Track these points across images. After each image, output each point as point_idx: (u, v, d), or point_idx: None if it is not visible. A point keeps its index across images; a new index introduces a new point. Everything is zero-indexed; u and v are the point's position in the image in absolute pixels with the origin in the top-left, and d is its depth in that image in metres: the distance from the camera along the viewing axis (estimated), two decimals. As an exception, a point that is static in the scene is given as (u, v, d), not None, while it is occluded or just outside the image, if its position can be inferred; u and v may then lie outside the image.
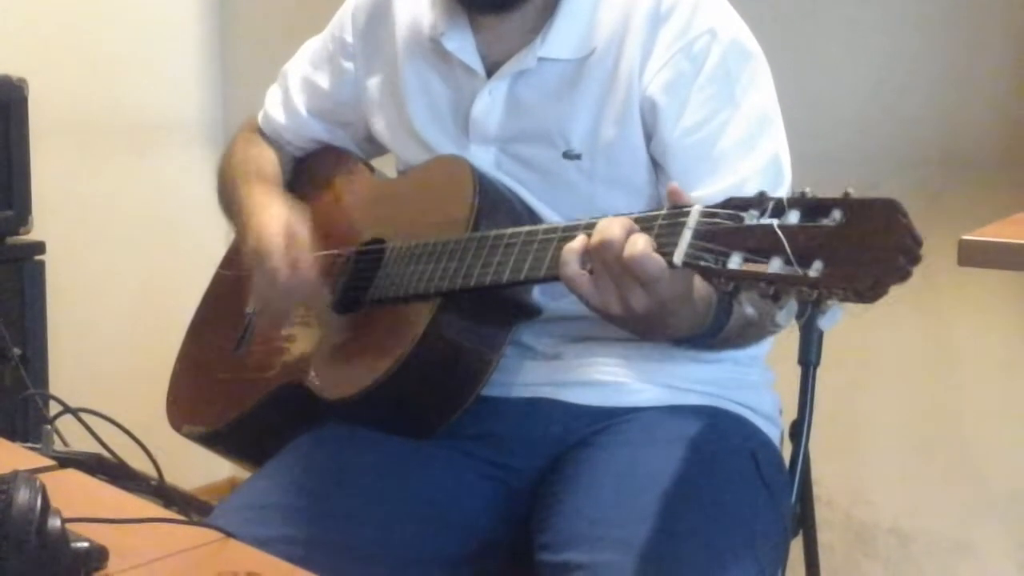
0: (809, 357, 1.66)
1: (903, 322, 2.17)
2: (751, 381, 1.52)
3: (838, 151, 2.25)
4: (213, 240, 2.29)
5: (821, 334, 1.66)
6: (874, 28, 2.22)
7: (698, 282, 1.20)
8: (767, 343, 1.56)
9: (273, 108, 1.74)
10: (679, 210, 1.09)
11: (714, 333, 1.30)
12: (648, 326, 1.21)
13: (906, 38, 2.19)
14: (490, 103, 1.48)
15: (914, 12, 2.17)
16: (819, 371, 1.67)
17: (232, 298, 1.72)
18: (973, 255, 1.34)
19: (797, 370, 1.67)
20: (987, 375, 2.19)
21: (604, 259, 1.14)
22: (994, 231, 1.39)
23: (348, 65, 1.65)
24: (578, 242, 1.17)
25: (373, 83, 1.62)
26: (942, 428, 2.25)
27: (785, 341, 1.60)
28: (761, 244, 0.98)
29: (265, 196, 1.58)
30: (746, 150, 1.40)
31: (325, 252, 1.55)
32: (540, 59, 1.45)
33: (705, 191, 1.37)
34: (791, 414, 1.66)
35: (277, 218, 1.50)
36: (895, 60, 2.20)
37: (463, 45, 1.50)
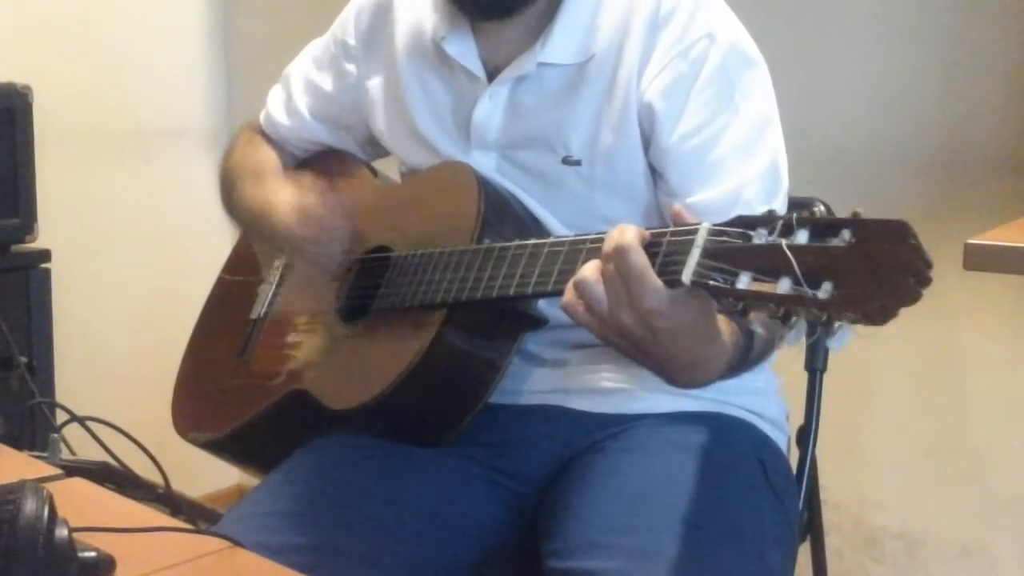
0: (816, 363, 1.66)
1: (909, 326, 2.14)
2: (758, 387, 1.51)
3: (843, 155, 2.25)
4: (219, 246, 2.29)
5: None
6: (879, 32, 2.22)
7: (723, 326, 1.19)
8: (774, 349, 1.56)
9: (275, 109, 1.74)
10: (687, 227, 1.08)
11: (739, 369, 1.28)
12: (664, 358, 1.16)
13: (911, 42, 2.19)
14: (491, 108, 1.48)
15: (919, 16, 2.17)
16: (826, 376, 1.67)
17: (235, 304, 1.72)
18: (979, 259, 1.34)
19: (804, 376, 1.67)
20: (994, 379, 2.19)
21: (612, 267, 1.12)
22: (1000, 235, 1.39)
23: (350, 67, 1.65)
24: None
25: (375, 86, 1.62)
26: (949, 433, 2.25)
27: (792, 347, 1.60)
28: (770, 264, 0.97)
29: (261, 193, 1.59)
30: (744, 156, 1.39)
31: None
32: (540, 64, 1.45)
33: (702, 196, 1.37)
34: (798, 420, 1.65)
35: (284, 208, 1.52)
36: (900, 64, 2.20)
37: (464, 50, 1.50)
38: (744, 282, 0.99)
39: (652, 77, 1.40)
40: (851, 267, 0.93)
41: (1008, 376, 2.17)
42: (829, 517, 1.78)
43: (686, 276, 1.05)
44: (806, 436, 1.64)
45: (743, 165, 1.39)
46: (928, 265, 0.92)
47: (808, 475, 1.62)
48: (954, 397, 2.23)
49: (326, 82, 1.68)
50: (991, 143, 2.12)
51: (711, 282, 1.02)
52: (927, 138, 2.19)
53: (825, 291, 0.93)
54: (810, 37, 2.28)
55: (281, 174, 1.67)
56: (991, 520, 2.22)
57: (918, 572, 2.30)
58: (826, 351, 1.66)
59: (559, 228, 1.43)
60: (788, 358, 1.59)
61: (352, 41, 1.64)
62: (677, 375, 1.20)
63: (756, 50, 1.45)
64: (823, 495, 1.71)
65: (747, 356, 1.26)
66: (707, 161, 1.39)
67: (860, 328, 0.94)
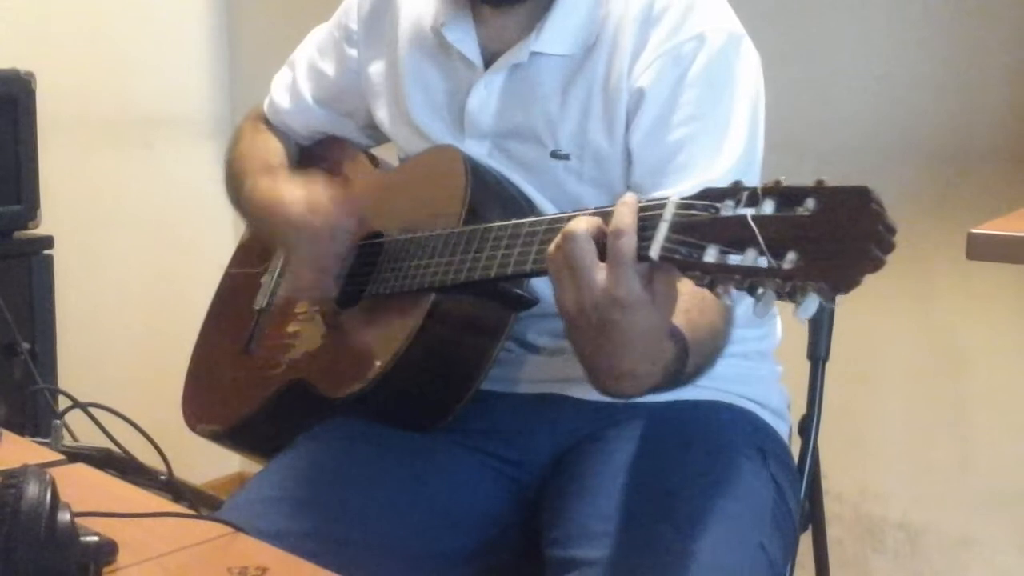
0: (818, 352, 1.66)
1: (912, 316, 2.16)
2: (759, 376, 1.51)
3: (846, 146, 2.25)
4: (221, 234, 2.31)
5: (831, 328, 1.66)
6: (882, 22, 2.22)
7: (668, 352, 1.14)
8: (776, 337, 1.56)
9: (279, 94, 1.74)
10: (655, 202, 1.06)
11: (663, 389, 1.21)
12: (604, 355, 1.11)
13: (914, 31, 2.18)
14: (485, 96, 1.48)
15: (922, 5, 2.16)
16: (828, 365, 1.67)
17: (241, 297, 1.72)
18: (982, 249, 1.34)
19: (806, 365, 1.67)
20: (995, 369, 2.19)
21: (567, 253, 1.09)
22: (1003, 225, 1.39)
23: (352, 52, 1.65)
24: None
25: (375, 71, 1.62)
26: (950, 422, 2.25)
27: (794, 336, 1.60)
28: (736, 236, 0.96)
29: (274, 188, 1.57)
30: (713, 157, 1.37)
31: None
32: (533, 53, 1.44)
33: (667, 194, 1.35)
34: (800, 409, 1.66)
35: (296, 202, 1.49)
36: (903, 54, 2.20)
37: (464, 37, 1.49)
38: (712, 255, 0.98)
39: (639, 73, 1.40)
40: (815, 236, 0.92)
41: (1010, 366, 2.17)
42: (830, 507, 1.78)
43: (654, 251, 1.03)
44: (808, 425, 1.64)
45: (712, 165, 1.36)
46: (891, 231, 0.91)
47: (810, 465, 1.62)
48: (956, 387, 2.23)
49: (329, 67, 1.68)
50: (994, 133, 2.12)
51: (677, 256, 1.01)
52: (930, 129, 2.19)
53: (790, 261, 0.92)
54: (812, 32, 2.27)
55: (288, 168, 1.66)
56: (992, 509, 2.22)
57: (919, 562, 2.30)
58: (829, 339, 1.66)
59: (551, 208, 1.43)
60: (790, 347, 1.59)
61: (354, 26, 1.64)
62: (607, 378, 1.15)
63: (748, 46, 1.43)
64: (825, 485, 1.71)
65: (677, 377, 1.19)
66: (675, 161, 1.37)
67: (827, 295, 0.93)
